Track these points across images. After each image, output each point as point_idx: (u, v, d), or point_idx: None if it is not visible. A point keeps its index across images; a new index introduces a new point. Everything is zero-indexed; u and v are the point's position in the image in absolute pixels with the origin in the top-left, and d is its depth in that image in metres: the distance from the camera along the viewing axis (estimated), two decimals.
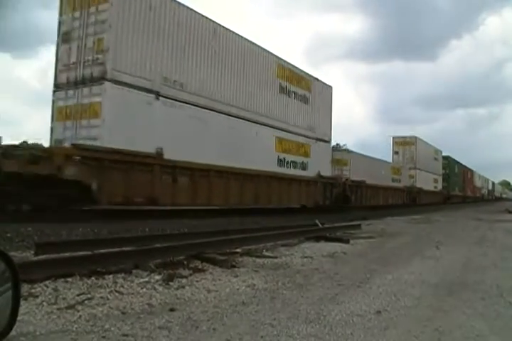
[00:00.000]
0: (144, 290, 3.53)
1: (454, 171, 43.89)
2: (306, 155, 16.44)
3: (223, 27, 12.66)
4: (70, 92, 9.86)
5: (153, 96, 10.24)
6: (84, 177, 8.84)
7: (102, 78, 9.35)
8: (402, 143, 33.12)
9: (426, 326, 2.85)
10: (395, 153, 33.05)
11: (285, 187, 14.96)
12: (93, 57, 9.51)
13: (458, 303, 3.52)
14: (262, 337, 2.54)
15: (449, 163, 41.74)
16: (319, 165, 17.18)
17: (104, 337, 2.44)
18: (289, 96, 15.60)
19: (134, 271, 4.10)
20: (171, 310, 3.02)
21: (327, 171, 18.05)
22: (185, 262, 4.71)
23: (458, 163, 46.50)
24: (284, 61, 15.54)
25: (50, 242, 5.53)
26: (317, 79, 17.52)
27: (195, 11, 11.60)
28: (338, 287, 3.96)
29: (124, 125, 9.51)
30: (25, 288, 3.12)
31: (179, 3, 11.08)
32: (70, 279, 3.61)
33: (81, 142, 9.25)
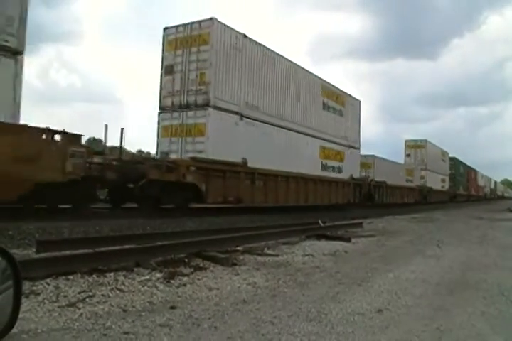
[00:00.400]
0: (145, 288, 3.53)
1: (459, 171, 45.94)
2: (341, 160, 19.38)
3: (287, 60, 15.37)
4: (175, 114, 12.33)
5: (238, 117, 12.86)
6: (198, 182, 11.38)
7: (206, 105, 11.85)
8: (413, 146, 35.26)
9: (427, 325, 2.84)
10: (407, 155, 35.10)
11: (327, 188, 17.91)
12: (196, 87, 12.02)
13: (459, 302, 3.51)
14: (263, 335, 2.54)
15: (454, 163, 43.80)
16: (351, 169, 20.13)
17: (105, 334, 2.44)
18: (329, 111, 18.51)
19: (135, 269, 4.10)
20: (172, 307, 3.01)
21: (356, 173, 21.04)
22: (186, 260, 4.71)
23: (463, 163, 48.50)
24: (326, 81, 18.36)
25: (51, 240, 5.54)
26: (349, 95, 20.52)
27: (269, 49, 14.33)
28: (339, 285, 3.95)
29: (220, 140, 12.02)
30: (26, 286, 3.13)
31: (256, 43, 13.75)
32: (71, 277, 3.62)
33: (190, 155, 11.66)
